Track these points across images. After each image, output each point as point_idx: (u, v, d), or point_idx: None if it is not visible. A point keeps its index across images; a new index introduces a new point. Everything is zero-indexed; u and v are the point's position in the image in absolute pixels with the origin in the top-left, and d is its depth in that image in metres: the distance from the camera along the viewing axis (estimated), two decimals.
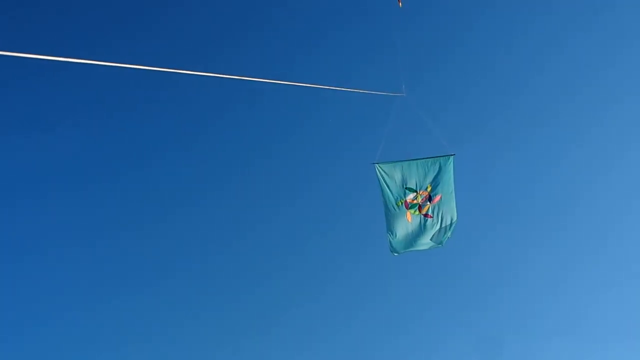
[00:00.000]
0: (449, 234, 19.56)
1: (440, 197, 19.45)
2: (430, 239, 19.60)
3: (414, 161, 19.62)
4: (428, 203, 19.38)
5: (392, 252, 19.79)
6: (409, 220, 19.42)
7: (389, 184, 19.35)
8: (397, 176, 19.37)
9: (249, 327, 31.75)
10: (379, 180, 19.41)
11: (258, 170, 32.93)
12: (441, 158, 19.69)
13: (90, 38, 30.30)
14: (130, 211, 31.99)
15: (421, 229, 19.44)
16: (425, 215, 19.39)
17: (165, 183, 32.33)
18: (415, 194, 19.30)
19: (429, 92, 31.17)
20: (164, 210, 32.10)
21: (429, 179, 19.44)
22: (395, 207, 19.39)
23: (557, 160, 32.29)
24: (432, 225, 19.47)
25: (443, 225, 19.53)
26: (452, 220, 19.56)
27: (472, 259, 31.92)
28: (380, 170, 19.45)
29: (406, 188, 19.34)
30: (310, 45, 32.83)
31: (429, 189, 19.33)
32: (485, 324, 31.88)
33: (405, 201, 19.33)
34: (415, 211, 19.38)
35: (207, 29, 31.91)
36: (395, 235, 19.53)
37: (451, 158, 19.70)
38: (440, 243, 19.66)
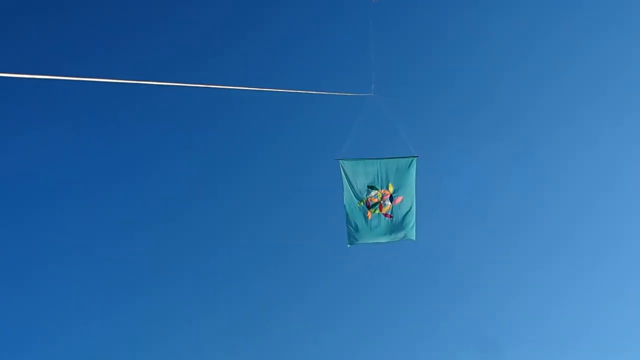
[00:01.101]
0: (411, 235, 19.83)
1: (402, 199, 19.69)
2: (387, 238, 19.86)
3: (377, 160, 19.81)
4: (389, 203, 19.59)
5: (349, 243, 20.01)
6: (369, 217, 19.64)
7: (351, 180, 19.53)
8: (360, 173, 19.55)
9: (243, 327, 31.64)
10: (341, 176, 19.59)
11: (230, 170, 32.76)
12: (404, 159, 19.92)
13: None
14: (125, 211, 31.52)
15: (380, 228, 19.68)
16: (386, 215, 19.61)
17: (152, 185, 31.95)
18: (376, 191, 19.51)
19: (398, 93, 31.31)
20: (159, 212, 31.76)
21: (391, 178, 19.67)
22: (357, 206, 19.59)
23: (526, 164, 32.75)
24: (392, 225, 19.71)
25: (403, 226, 19.79)
26: (410, 223, 19.83)
27: (447, 262, 32.08)
28: (344, 166, 19.63)
29: (368, 186, 19.54)
30: (281, 47, 32.71)
31: (390, 189, 19.55)
32: (485, 325, 32.21)
33: (367, 200, 19.53)
34: (375, 210, 19.58)
35: (174, 37, 31.61)
36: (354, 229, 19.75)
37: (414, 160, 19.94)
38: (398, 239, 19.96)
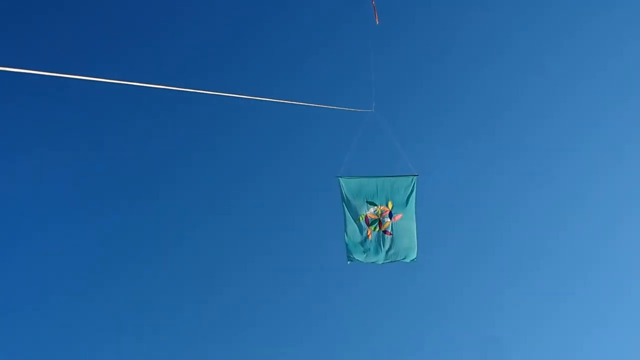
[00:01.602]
0: (412, 255, 19.61)
1: (401, 216, 19.55)
2: (386, 257, 19.67)
3: (377, 178, 19.73)
4: (388, 220, 19.45)
5: (348, 260, 19.83)
6: (369, 237, 19.48)
7: (350, 197, 19.43)
8: (359, 190, 19.46)
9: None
10: (341, 193, 19.49)
11: (228, 180, 32.76)
12: (404, 177, 19.82)
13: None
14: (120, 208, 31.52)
15: (380, 246, 19.50)
16: (385, 232, 19.46)
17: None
18: (375, 207, 19.38)
19: (399, 110, 31.46)
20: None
21: (390, 196, 19.55)
22: (356, 222, 19.46)
23: (527, 191, 32.76)
24: (391, 243, 19.54)
25: (402, 245, 19.59)
26: (410, 243, 19.63)
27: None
28: (343, 183, 19.55)
29: (367, 202, 19.43)
30: (283, 61, 32.86)
31: (390, 206, 19.43)
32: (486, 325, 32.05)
33: (366, 216, 19.40)
34: (375, 227, 19.44)
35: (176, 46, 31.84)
36: (354, 247, 19.60)
37: (414, 178, 19.82)
38: (399, 259, 19.77)
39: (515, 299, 32.39)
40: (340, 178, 19.63)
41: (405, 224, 19.59)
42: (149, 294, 31.38)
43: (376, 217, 19.43)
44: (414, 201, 19.70)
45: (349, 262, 19.89)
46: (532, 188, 32.90)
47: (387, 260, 19.78)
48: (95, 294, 30.87)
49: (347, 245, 19.65)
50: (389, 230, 19.47)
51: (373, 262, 19.66)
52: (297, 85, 32.70)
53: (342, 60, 32.20)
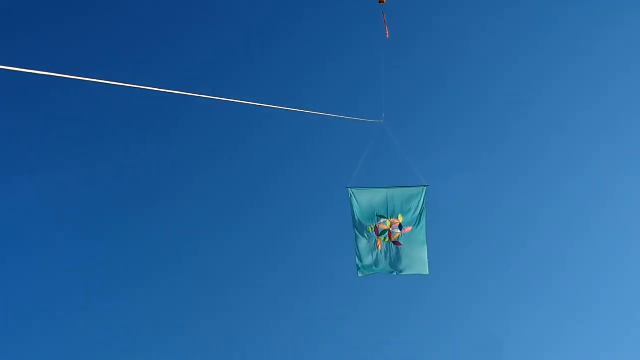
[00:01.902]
0: (423, 269, 19.46)
1: (412, 229, 19.45)
2: (396, 268, 19.53)
3: (387, 189, 19.69)
4: (398, 231, 19.37)
5: (358, 272, 19.74)
6: (379, 247, 19.40)
7: (361, 208, 19.39)
8: (370, 201, 19.42)
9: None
10: (351, 204, 19.47)
11: (237, 188, 32.83)
12: (414, 188, 19.76)
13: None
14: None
15: (390, 256, 19.41)
16: (395, 242, 19.37)
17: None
18: (385, 219, 19.33)
19: (409, 121, 31.50)
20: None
21: (401, 207, 19.48)
22: (366, 232, 19.41)
23: (540, 200, 32.68)
24: (401, 254, 19.42)
25: (413, 257, 19.44)
26: (421, 256, 19.48)
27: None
28: (353, 194, 19.52)
29: (377, 215, 19.38)
30: (292, 70, 33.02)
31: (400, 218, 19.36)
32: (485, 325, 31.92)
33: (376, 227, 19.34)
34: (385, 238, 19.36)
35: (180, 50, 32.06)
36: (363, 259, 19.50)
37: (424, 189, 19.77)
38: (410, 272, 19.64)
39: (527, 311, 32.17)
40: (350, 189, 19.61)
41: (416, 236, 19.47)
42: (163, 301, 31.36)
43: (386, 228, 19.37)
44: (424, 213, 19.62)
45: (359, 275, 19.79)
46: (544, 199, 32.77)
47: (398, 272, 19.63)
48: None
49: (357, 255, 19.58)
50: (399, 241, 19.39)
51: (382, 272, 19.55)
52: (307, 94, 32.80)
53: (352, 70, 32.31)
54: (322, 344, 31.84)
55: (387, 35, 19.68)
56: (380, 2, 19.11)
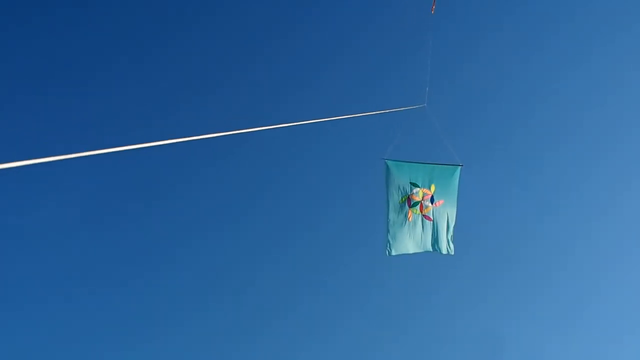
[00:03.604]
0: (450, 249, 19.94)
1: (443, 202, 19.96)
2: (426, 243, 20.00)
3: (423, 163, 20.24)
4: (430, 204, 19.87)
5: (388, 253, 20.19)
6: (410, 219, 19.89)
7: (394, 177, 19.90)
8: (404, 172, 19.95)
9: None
10: (386, 174, 20.00)
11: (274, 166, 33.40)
12: (448, 166, 20.27)
13: None
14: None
15: (419, 231, 19.89)
16: (425, 216, 19.86)
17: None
18: (418, 189, 19.84)
19: (453, 103, 31.87)
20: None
21: (434, 180, 20.01)
22: (398, 203, 19.91)
23: (576, 183, 32.88)
24: (430, 229, 19.91)
25: (441, 232, 19.94)
26: (449, 228, 20.00)
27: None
28: (389, 165, 20.05)
29: (411, 182, 19.90)
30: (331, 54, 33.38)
31: (432, 189, 19.87)
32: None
33: (409, 197, 19.84)
34: (416, 210, 19.85)
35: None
36: (394, 236, 19.95)
37: (458, 168, 20.26)
38: (434, 249, 20.05)
39: (527, 311, 32.50)
40: (386, 160, 20.16)
41: (446, 212, 19.98)
42: (176, 297, 31.87)
43: (418, 199, 19.87)
44: (456, 190, 20.13)
45: (388, 254, 20.19)
46: (572, 187, 33.00)
47: (424, 249, 20.09)
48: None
49: (387, 230, 20.03)
50: (430, 215, 19.87)
51: (409, 250, 19.96)
52: (345, 80, 33.13)
53: (395, 54, 32.68)
54: (317, 344, 32.14)
55: (433, 11, 20.19)
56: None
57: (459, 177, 20.22)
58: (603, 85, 32.33)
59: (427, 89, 21.45)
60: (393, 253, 20.01)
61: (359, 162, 32.31)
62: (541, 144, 33.05)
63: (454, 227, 20.03)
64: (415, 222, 19.89)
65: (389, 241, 19.93)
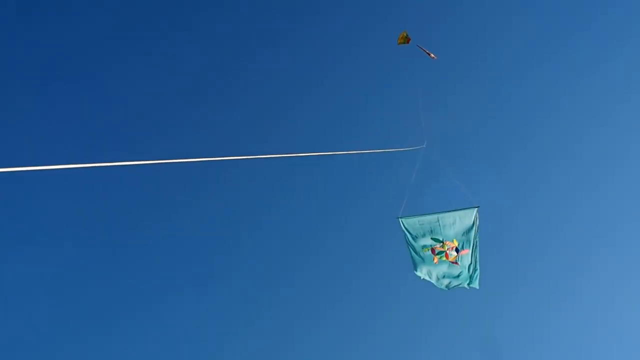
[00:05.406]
0: (475, 283, 19.15)
1: (468, 251, 19.13)
2: (454, 279, 19.14)
3: (439, 214, 19.43)
4: (455, 253, 19.05)
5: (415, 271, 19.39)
6: (436, 262, 19.07)
7: (414, 236, 19.09)
8: (422, 228, 19.14)
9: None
10: (404, 234, 19.17)
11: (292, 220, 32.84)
12: (466, 210, 19.50)
13: None
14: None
15: (447, 271, 19.03)
16: (452, 262, 19.04)
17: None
18: (441, 243, 19.02)
19: (450, 142, 32.09)
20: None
21: (455, 231, 19.17)
22: (422, 253, 19.09)
23: (580, 211, 32.46)
24: (458, 271, 19.09)
25: (468, 275, 19.14)
26: (475, 271, 19.19)
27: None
28: (404, 224, 19.26)
29: (432, 239, 19.08)
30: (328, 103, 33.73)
31: (455, 243, 19.05)
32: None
33: (432, 248, 19.03)
34: (442, 257, 19.03)
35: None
36: (422, 270, 19.19)
37: (475, 210, 19.52)
38: (462, 285, 19.30)
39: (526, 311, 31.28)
40: (400, 219, 19.38)
41: (472, 257, 19.17)
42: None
43: (442, 250, 19.05)
44: (478, 234, 19.34)
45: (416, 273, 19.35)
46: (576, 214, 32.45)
47: (452, 286, 19.28)
48: None
49: (412, 261, 19.27)
50: (457, 261, 19.05)
51: (437, 283, 19.11)
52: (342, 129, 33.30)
53: (390, 100, 32.96)
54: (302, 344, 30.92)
55: (434, 57, 20.25)
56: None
57: (478, 219, 19.45)
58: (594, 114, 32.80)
59: (424, 130, 21.31)
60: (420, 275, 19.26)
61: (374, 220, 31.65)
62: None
63: (479, 265, 19.29)
64: (441, 265, 19.06)
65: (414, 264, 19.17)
